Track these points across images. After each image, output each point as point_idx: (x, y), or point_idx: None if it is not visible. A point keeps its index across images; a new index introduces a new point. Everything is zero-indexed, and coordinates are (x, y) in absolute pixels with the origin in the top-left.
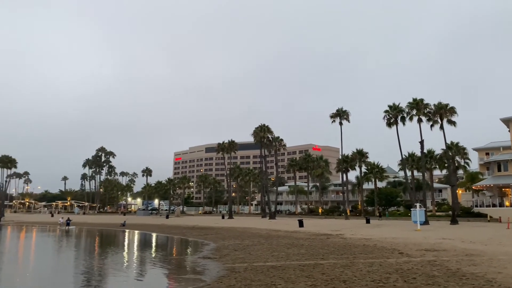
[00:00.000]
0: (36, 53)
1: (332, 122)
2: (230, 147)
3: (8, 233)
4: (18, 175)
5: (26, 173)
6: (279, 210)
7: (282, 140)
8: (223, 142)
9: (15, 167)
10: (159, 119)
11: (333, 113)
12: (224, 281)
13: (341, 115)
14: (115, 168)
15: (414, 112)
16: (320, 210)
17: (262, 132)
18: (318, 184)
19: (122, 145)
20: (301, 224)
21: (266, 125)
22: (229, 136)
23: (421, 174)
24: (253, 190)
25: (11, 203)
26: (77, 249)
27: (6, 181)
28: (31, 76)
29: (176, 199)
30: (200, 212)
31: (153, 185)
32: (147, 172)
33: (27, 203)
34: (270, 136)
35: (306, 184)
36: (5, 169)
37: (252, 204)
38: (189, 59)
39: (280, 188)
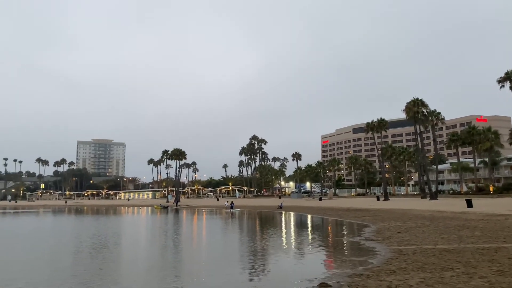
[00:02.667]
0: (190, 55)
1: (501, 87)
2: (379, 125)
3: (184, 215)
4: (188, 165)
5: (194, 163)
6: (441, 190)
7: (439, 113)
8: (372, 121)
9: (185, 158)
10: (303, 103)
11: (501, 77)
12: (394, 264)
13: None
14: (267, 154)
15: None
16: (491, 188)
17: (415, 106)
18: (487, 159)
19: (271, 131)
20: (469, 204)
21: (419, 98)
22: (377, 114)
23: None
24: (408, 169)
25: (183, 190)
26: (241, 229)
27: (179, 170)
28: (190, 79)
29: (327, 182)
30: (352, 194)
31: (303, 168)
32: (297, 156)
33: (197, 189)
34: (424, 110)
35: (471, 160)
36: (177, 161)
37: (408, 185)
38: (330, 37)
39: (440, 166)
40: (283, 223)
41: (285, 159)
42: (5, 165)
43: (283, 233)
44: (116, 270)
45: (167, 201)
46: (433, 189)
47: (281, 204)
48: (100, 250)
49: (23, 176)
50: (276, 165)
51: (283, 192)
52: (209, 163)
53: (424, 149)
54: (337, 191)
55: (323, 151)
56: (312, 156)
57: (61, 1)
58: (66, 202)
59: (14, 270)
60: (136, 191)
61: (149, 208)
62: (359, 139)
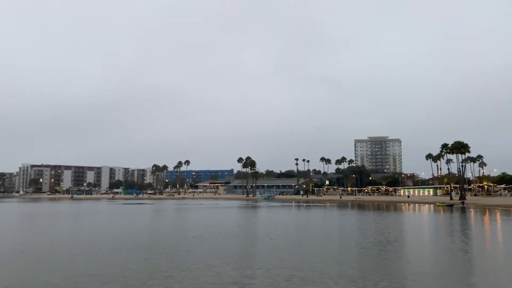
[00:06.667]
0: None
1: None
2: None
3: (472, 215)
4: (472, 159)
5: (480, 157)
6: None
7: None
8: None
9: (468, 151)
10: None
11: None
12: None
13: None
14: None
15: None
16: None
17: None
18: None
19: None
20: None
21: None
22: None
23: None
24: None
25: (469, 187)
26: None
27: (462, 165)
28: (457, 61)
29: None
30: None
31: None
32: None
33: (486, 186)
34: None
35: None
36: (459, 155)
37: None
38: None
39: None
40: None
41: None
42: (296, 164)
43: None
44: (397, 271)
45: (451, 199)
46: None
47: None
48: (382, 248)
49: (311, 174)
50: None
51: None
52: (499, 156)
53: None
54: None
55: None
56: None
57: (322, 8)
58: (340, 197)
59: (314, 261)
60: (415, 188)
61: (431, 205)
62: None
